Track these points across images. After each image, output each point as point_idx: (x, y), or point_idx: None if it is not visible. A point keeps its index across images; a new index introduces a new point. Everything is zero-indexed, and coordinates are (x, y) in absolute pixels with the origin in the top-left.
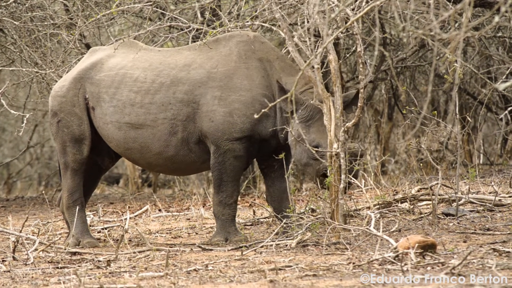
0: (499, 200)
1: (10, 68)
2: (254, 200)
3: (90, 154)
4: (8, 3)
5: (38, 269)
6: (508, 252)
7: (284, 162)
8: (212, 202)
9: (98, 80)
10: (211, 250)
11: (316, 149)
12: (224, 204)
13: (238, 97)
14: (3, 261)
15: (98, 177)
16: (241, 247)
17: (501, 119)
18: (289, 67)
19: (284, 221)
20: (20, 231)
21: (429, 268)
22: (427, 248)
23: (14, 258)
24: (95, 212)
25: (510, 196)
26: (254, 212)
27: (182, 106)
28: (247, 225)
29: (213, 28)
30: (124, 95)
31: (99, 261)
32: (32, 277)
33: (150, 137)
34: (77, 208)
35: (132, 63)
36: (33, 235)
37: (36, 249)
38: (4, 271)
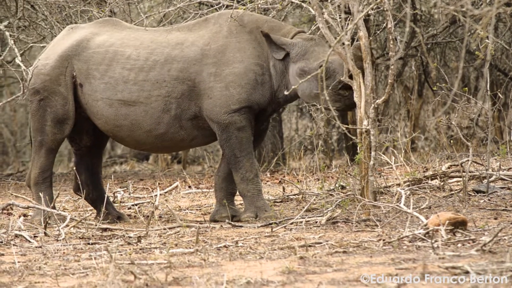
0: None
1: (41, 45)
2: (284, 177)
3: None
4: None
5: (70, 245)
6: None
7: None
8: (235, 182)
9: (86, 56)
10: (241, 226)
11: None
12: (246, 180)
13: (231, 70)
14: (35, 236)
15: (100, 154)
16: (271, 223)
17: None
18: (278, 24)
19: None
20: (52, 207)
21: (459, 245)
22: (458, 225)
23: (45, 234)
24: (125, 188)
25: None
26: (283, 189)
27: (177, 84)
28: (277, 202)
29: (243, 5)
30: (116, 72)
31: (129, 237)
32: (64, 252)
33: (142, 114)
34: (46, 184)
35: (121, 41)
36: (65, 211)
37: (67, 225)
38: (36, 247)
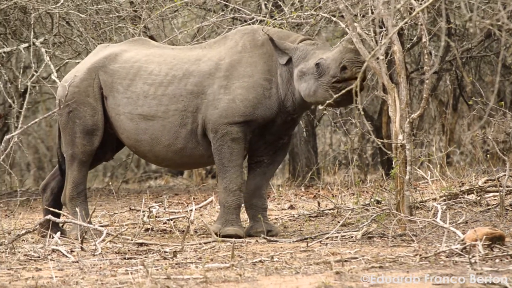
0: None
1: (77, 61)
2: (319, 191)
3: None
4: None
5: (106, 259)
6: None
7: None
8: (219, 190)
9: (112, 70)
10: (276, 241)
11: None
12: (229, 191)
13: (241, 84)
14: (71, 251)
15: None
16: (306, 238)
17: None
18: (287, 33)
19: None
20: (88, 222)
21: (497, 260)
22: (495, 240)
23: (82, 249)
24: (160, 203)
25: None
26: (318, 203)
27: (193, 98)
28: (312, 217)
29: (275, 20)
30: (138, 87)
31: (165, 252)
32: (100, 267)
33: (161, 129)
34: (81, 199)
35: (147, 58)
36: (101, 226)
37: (103, 240)
38: (73, 262)
